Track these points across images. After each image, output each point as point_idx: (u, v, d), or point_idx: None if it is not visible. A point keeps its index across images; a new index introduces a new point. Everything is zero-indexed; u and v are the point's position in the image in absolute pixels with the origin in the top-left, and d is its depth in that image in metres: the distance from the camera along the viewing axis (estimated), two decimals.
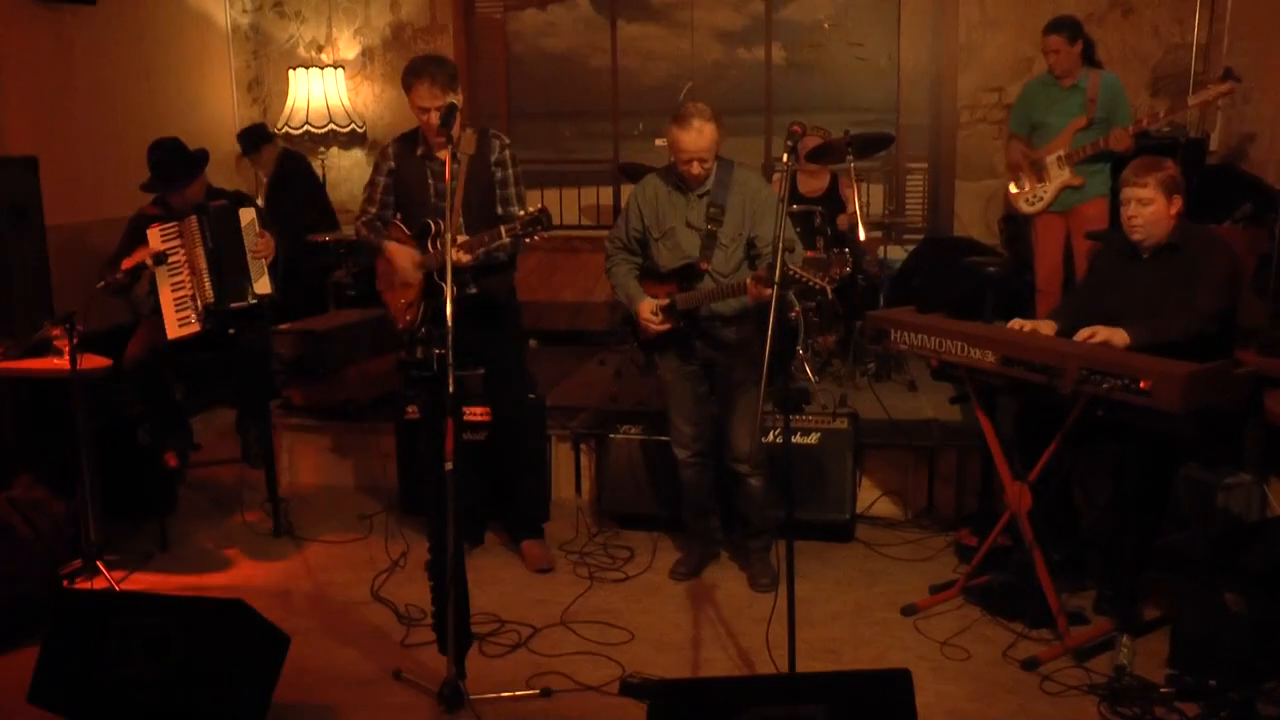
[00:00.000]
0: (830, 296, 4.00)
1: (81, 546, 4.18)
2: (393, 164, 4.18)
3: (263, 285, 4.63)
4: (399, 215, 4.21)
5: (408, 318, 4.13)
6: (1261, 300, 4.49)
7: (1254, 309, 4.45)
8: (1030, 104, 5.40)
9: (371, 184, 4.25)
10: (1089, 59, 5.28)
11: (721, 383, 4.11)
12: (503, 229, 3.79)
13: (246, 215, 4.66)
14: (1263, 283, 4.56)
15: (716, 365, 4.08)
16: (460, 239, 3.86)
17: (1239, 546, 3.86)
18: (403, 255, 4.12)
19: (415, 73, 3.98)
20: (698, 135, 3.83)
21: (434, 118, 3.90)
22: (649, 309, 3.99)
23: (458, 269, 3.93)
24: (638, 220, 4.08)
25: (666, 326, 3.98)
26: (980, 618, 3.89)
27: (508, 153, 4.13)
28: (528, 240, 3.81)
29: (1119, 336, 3.58)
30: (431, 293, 4.00)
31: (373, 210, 4.23)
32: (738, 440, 4.06)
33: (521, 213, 3.82)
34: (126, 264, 4.53)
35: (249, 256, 4.62)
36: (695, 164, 3.88)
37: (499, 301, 4.22)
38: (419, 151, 4.13)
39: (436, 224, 4.00)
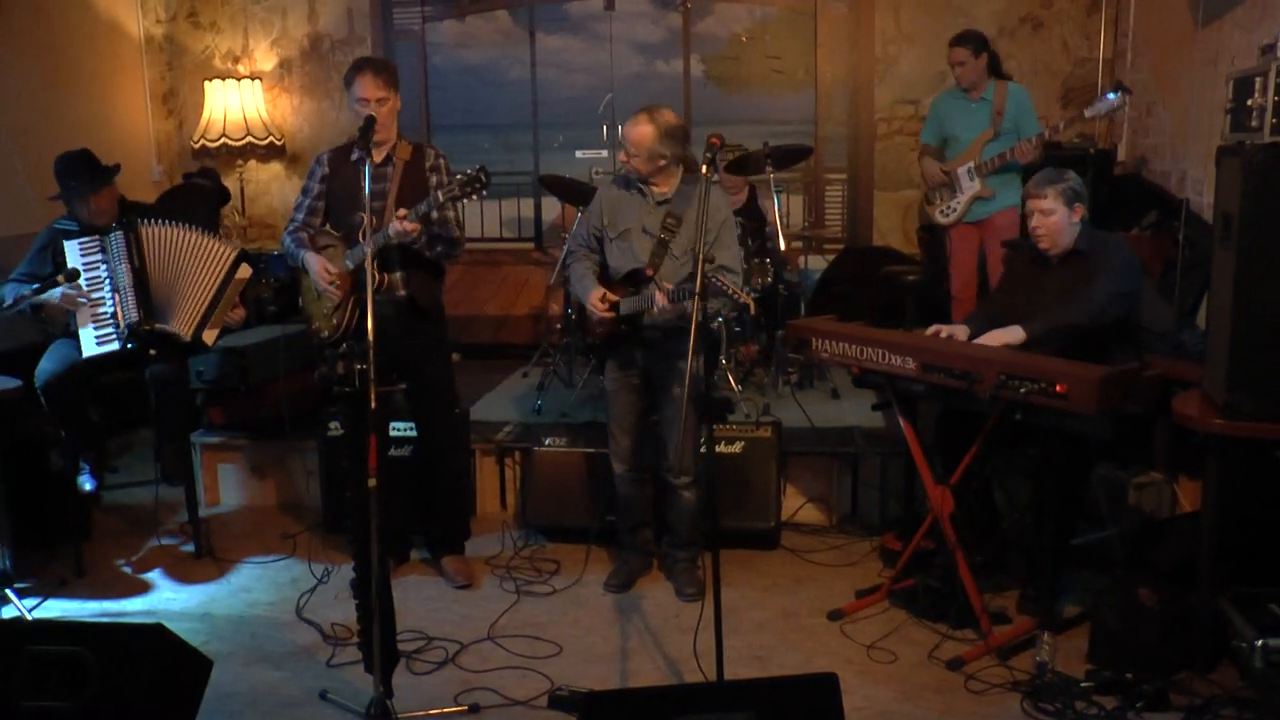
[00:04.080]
0: (753, 310, 4.07)
1: None
2: (327, 169, 4.17)
3: (209, 336, 4.61)
4: (326, 224, 4.18)
5: (333, 322, 4.08)
6: (1168, 305, 4.63)
7: (1161, 314, 4.59)
8: (941, 117, 5.51)
9: (304, 192, 4.23)
10: (995, 71, 5.38)
11: (660, 395, 4.12)
12: (439, 193, 3.78)
13: (244, 271, 4.64)
14: (1168, 288, 4.71)
15: (655, 377, 4.10)
16: (400, 211, 3.85)
17: (1150, 543, 3.98)
18: (316, 265, 4.09)
19: (358, 67, 4.02)
20: (632, 126, 3.93)
21: (373, 109, 3.92)
22: (598, 295, 4.02)
23: (386, 253, 3.94)
24: (598, 218, 4.13)
25: (610, 315, 4.00)
26: (906, 620, 3.94)
27: (442, 161, 4.16)
28: (455, 234, 3.97)
29: (1013, 334, 3.68)
30: (359, 292, 3.95)
31: (300, 218, 4.19)
32: (674, 452, 4.08)
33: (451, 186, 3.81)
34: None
35: (217, 306, 4.57)
36: (628, 156, 3.95)
37: (427, 312, 4.18)
38: (353, 156, 4.10)
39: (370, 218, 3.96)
